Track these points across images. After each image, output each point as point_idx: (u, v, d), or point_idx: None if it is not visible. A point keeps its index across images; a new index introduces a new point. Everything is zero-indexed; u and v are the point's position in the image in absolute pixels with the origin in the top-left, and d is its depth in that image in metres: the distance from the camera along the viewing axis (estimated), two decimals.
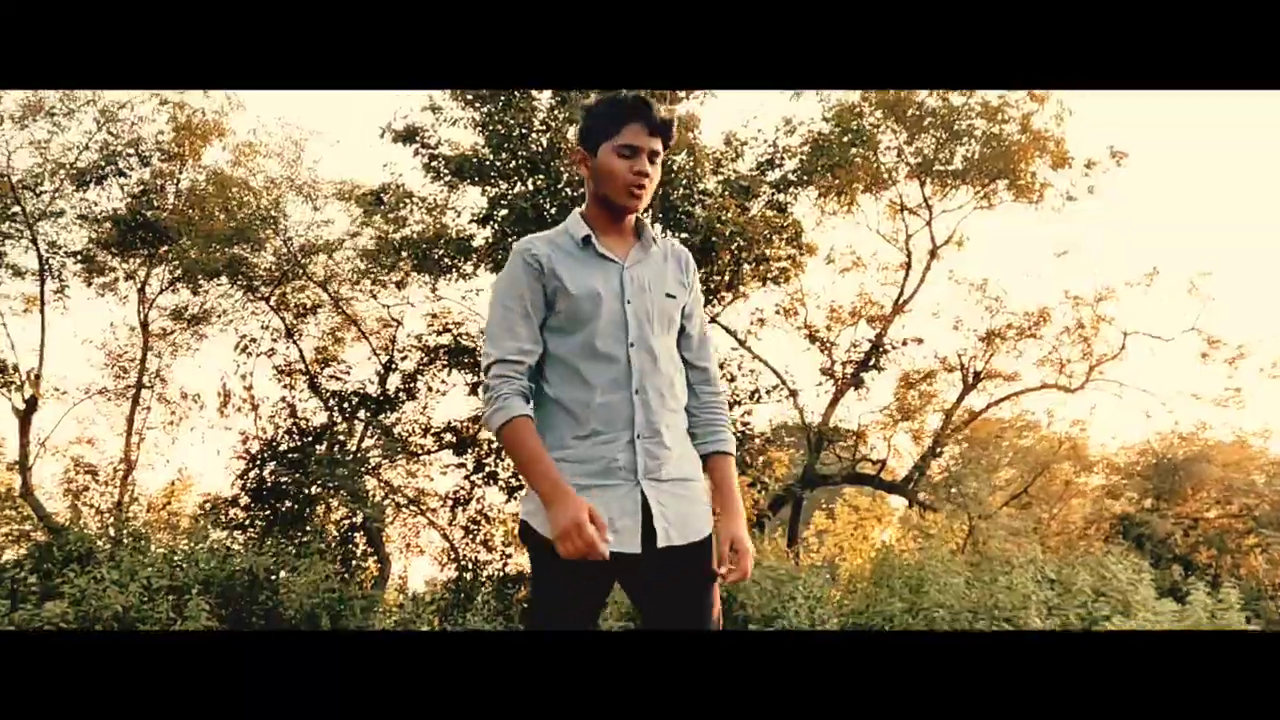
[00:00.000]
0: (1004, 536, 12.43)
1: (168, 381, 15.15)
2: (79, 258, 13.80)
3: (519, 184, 13.04)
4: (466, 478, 14.35)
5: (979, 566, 11.47)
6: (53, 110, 13.30)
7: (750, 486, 14.46)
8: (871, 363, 14.46)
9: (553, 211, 12.92)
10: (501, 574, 13.67)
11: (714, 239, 12.36)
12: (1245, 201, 36.44)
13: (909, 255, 15.19)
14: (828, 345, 14.97)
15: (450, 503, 14.60)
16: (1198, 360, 15.21)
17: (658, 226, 13.31)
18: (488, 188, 13.11)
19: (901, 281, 15.17)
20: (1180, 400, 19.07)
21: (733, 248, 12.38)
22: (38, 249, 13.42)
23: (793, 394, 14.90)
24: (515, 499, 14.23)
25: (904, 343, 14.49)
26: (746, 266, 12.95)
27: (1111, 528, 15.51)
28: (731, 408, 14.31)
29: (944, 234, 15.07)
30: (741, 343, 14.76)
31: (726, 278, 13.14)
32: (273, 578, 10.87)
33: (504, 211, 12.84)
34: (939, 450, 14.52)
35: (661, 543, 2.30)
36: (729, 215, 12.26)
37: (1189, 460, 15.86)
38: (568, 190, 12.71)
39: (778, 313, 14.96)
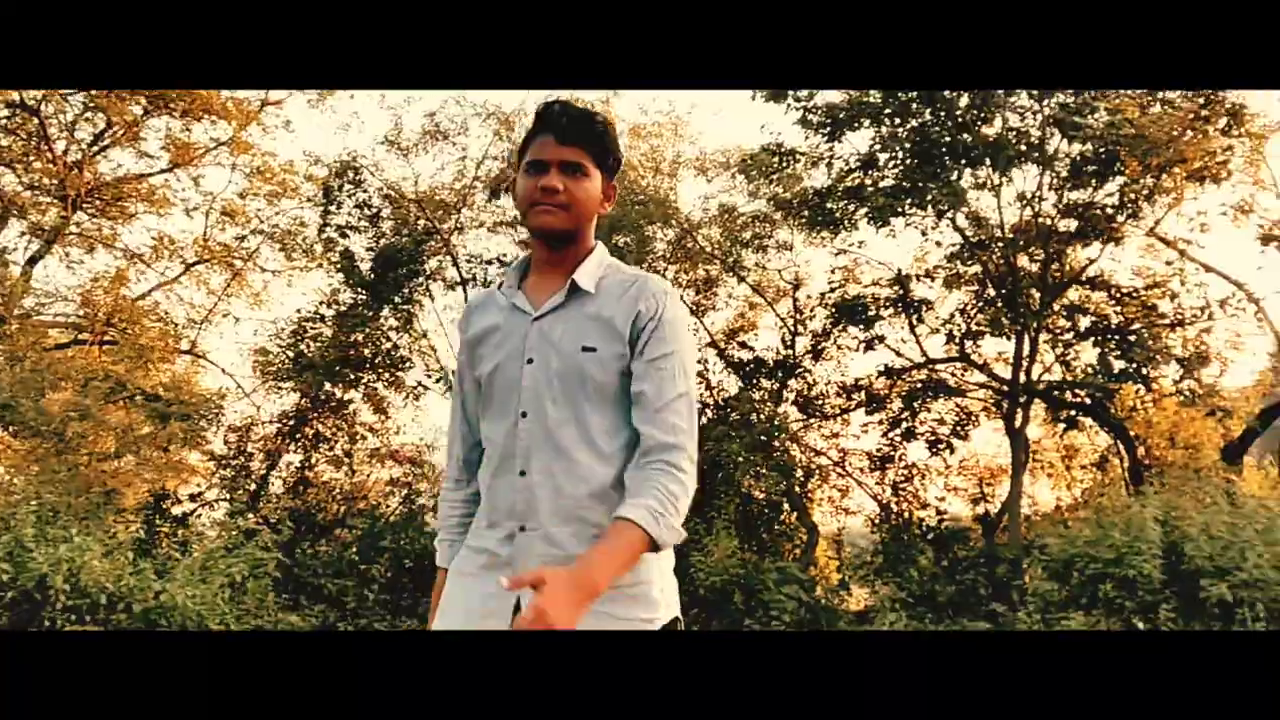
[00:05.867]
0: None
1: None
2: (498, 263, 14.77)
3: (910, 119, 12.21)
4: (885, 435, 13.85)
5: None
6: (447, 132, 14.31)
7: (1209, 415, 12.71)
8: None
9: (945, 142, 12.01)
10: (937, 529, 12.99)
11: (1114, 147, 10.88)
12: None
13: None
14: None
15: (878, 461, 14.14)
16: None
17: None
18: (880, 127, 12.39)
19: None
20: None
21: (1140, 151, 10.75)
22: (455, 262, 14.50)
23: (1255, 303, 12.84)
24: (938, 453, 13.60)
25: None
26: (1163, 172, 11.23)
27: None
28: (1177, 327, 12.59)
29: None
30: (1181, 253, 12.91)
31: (1145, 187, 11.52)
32: (683, 557, 11.00)
33: (898, 151, 12.10)
34: None
35: None
36: (1125, 116, 10.71)
37: None
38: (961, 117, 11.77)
39: (1224, 213, 12.92)
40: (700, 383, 14.25)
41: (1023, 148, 11.91)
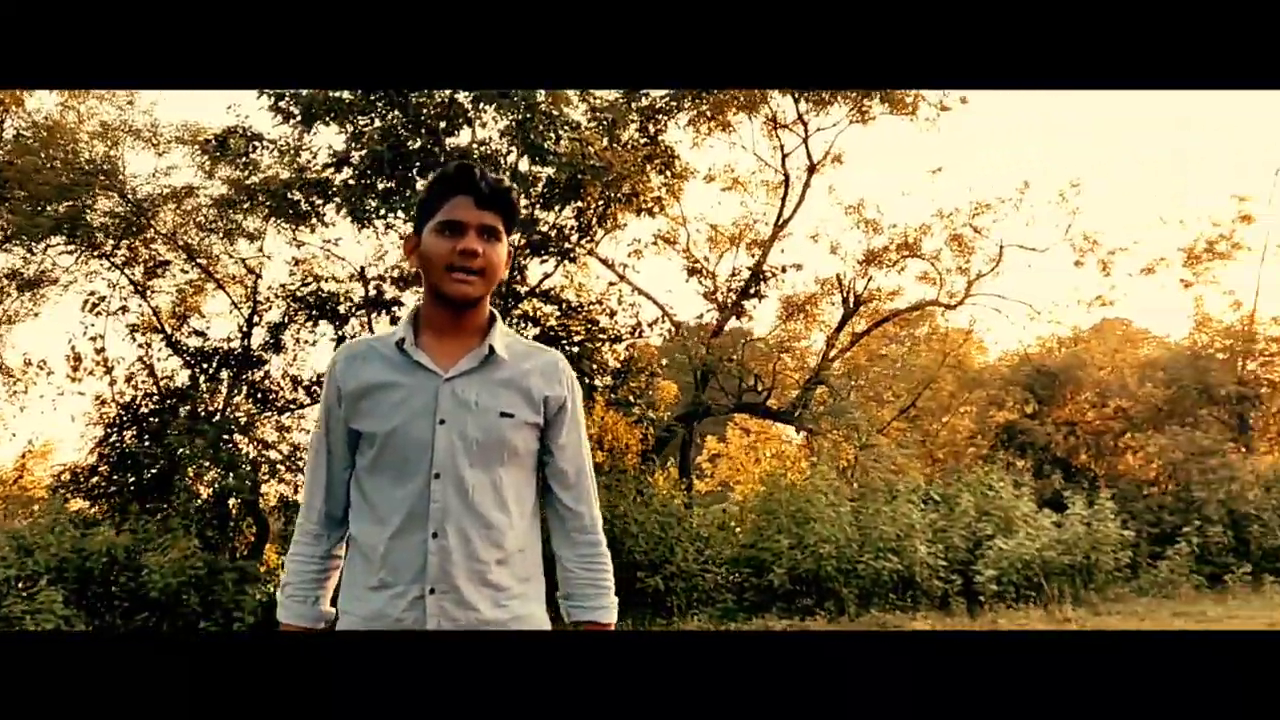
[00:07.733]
0: (891, 460, 12.45)
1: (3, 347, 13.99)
2: None
3: (376, 119, 12.31)
4: None
5: (864, 498, 11.51)
6: None
7: (636, 424, 14.22)
8: (753, 290, 14.23)
9: (414, 147, 12.28)
10: None
11: (580, 175, 11.87)
12: (1112, 106, 37.19)
13: (786, 175, 14.93)
14: (709, 273, 14.68)
15: None
16: (1071, 268, 15.59)
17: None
18: (346, 125, 12.35)
19: (780, 202, 14.92)
20: (1057, 306, 19.87)
21: (602, 181, 11.87)
22: None
23: (675, 325, 14.62)
24: None
25: (783, 269, 14.32)
26: (616, 203, 12.46)
27: (996, 437, 15.77)
28: (616, 342, 13.93)
29: (821, 151, 14.86)
30: (621, 276, 14.37)
31: (598, 212, 12.68)
32: (135, 558, 10.22)
33: (362, 152, 12.13)
34: (823, 375, 14.45)
35: None
36: (594, 149, 11.76)
37: (1066, 365, 16.22)
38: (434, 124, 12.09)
39: (655, 242, 14.59)
40: (144, 369, 13.24)
41: (483, 162, 12.48)
